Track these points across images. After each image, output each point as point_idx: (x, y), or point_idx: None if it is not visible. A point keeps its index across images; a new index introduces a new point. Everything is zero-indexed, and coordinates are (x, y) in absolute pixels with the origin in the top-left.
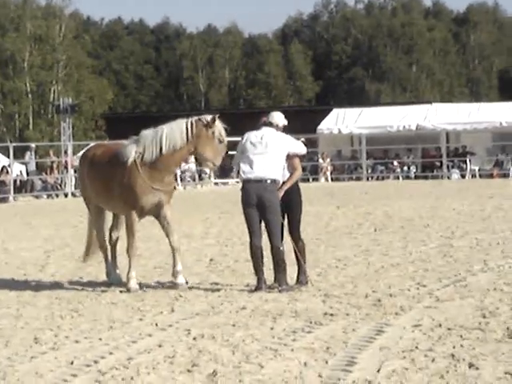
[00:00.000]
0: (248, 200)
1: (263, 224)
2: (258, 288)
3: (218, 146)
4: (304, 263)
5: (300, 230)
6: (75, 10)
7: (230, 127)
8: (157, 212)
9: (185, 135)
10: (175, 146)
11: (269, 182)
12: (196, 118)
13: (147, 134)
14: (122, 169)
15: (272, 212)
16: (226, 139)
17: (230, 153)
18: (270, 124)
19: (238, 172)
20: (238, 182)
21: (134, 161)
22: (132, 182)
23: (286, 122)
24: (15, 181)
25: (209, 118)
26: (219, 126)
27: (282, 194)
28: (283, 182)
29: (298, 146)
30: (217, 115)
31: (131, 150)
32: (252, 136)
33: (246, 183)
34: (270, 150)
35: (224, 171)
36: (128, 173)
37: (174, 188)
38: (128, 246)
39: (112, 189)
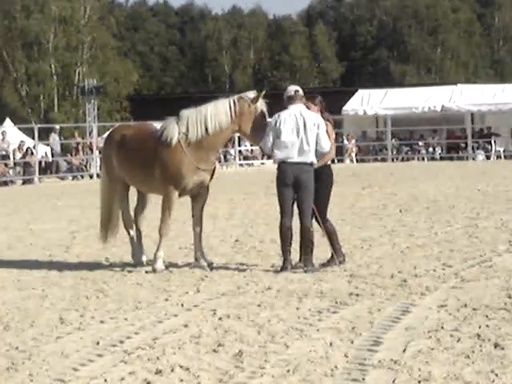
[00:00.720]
0: (284, 180)
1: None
2: (283, 268)
3: (262, 123)
4: (337, 243)
5: (326, 213)
6: None
7: None
8: (197, 191)
9: (229, 114)
10: (221, 125)
11: (307, 164)
12: (238, 96)
13: (189, 113)
14: (165, 149)
15: (307, 192)
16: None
17: None
18: (296, 95)
19: (267, 154)
20: (263, 164)
21: (179, 141)
22: (177, 162)
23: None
24: (40, 162)
25: (251, 95)
26: (262, 103)
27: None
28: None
29: (324, 142)
30: (262, 92)
31: (174, 130)
32: (284, 118)
33: (283, 164)
34: (305, 133)
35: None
36: (172, 153)
37: (215, 168)
38: (161, 225)
39: (152, 169)
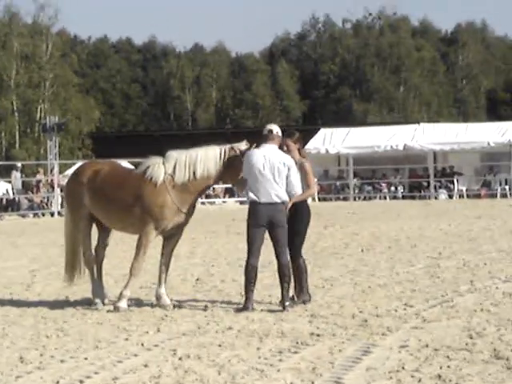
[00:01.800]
0: (257, 220)
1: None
2: (245, 308)
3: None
4: (305, 282)
5: (301, 249)
6: (62, 28)
7: None
8: (174, 233)
9: (218, 162)
10: (209, 172)
11: (279, 203)
12: (229, 146)
13: (178, 155)
14: (149, 188)
15: (282, 231)
16: None
17: None
18: (269, 135)
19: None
20: (224, 202)
21: (164, 181)
22: (161, 202)
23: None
24: (1, 199)
25: (243, 146)
26: None
27: (288, 207)
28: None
29: (295, 185)
30: (254, 145)
31: (160, 171)
32: (254, 158)
33: (256, 204)
34: (273, 174)
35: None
36: (157, 193)
37: (193, 210)
38: (134, 264)
39: (132, 207)
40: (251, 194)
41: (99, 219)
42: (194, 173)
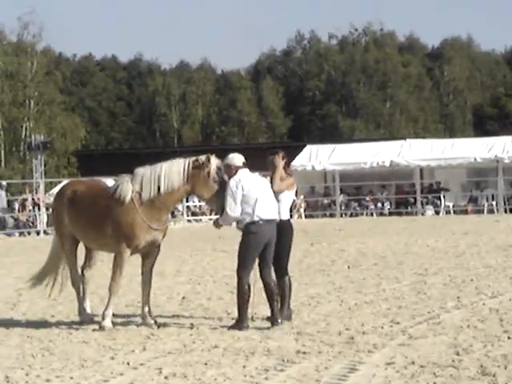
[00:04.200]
0: (261, 239)
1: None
2: (242, 327)
3: (214, 185)
4: (289, 299)
5: (288, 266)
6: (47, 46)
7: None
8: (148, 250)
9: (182, 174)
10: (173, 185)
11: (276, 221)
12: (194, 158)
13: (144, 172)
14: (119, 207)
15: (271, 250)
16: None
17: None
18: (244, 164)
19: (233, 221)
20: (211, 220)
21: (132, 199)
22: (130, 220)
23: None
24: None
25: (204, 157)
26: (214, 166)
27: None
28: None
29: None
30: (212, 155)
31: (128, 188)
32: (251, 178)
33: (262, 223)
34: (270, 191)
35: None
36: (125, 211)
37: (167, 227)
38: (112, 283)
39: (104, 227)
40: (258, 213)
41: (78, 238)
42: (159, 188)
